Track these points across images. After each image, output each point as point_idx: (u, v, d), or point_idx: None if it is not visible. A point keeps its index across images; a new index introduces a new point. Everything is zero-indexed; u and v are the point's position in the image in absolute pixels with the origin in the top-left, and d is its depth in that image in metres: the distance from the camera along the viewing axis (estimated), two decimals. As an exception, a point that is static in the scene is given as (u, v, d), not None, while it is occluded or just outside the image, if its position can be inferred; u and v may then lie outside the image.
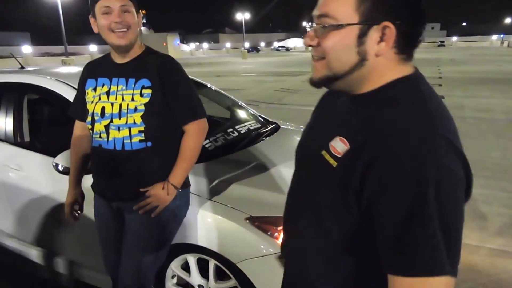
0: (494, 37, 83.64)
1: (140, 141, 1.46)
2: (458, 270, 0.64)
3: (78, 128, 1.67)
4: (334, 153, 0.73)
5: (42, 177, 2.04)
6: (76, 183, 1.69)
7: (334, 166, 0.72)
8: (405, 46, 0.72)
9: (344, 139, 0.72)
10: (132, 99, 1.44)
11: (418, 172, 0.61)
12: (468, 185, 0.69)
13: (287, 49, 76.82)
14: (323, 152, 0.75)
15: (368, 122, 0.70)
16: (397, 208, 0.62)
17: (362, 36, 0.69)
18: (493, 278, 2.30)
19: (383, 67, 0.72)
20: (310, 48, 0.76)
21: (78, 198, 1.70)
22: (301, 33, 0.77)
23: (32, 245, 2.27)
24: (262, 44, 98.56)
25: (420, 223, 0.61)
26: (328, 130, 0.77)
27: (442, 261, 0.61)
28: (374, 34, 0.69)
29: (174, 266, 1.82)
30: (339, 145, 0.72)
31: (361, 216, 0.69)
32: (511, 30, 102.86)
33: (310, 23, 0.75)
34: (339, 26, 0.70)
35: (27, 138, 2.23)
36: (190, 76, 1.63)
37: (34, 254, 2.27)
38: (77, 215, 1.73)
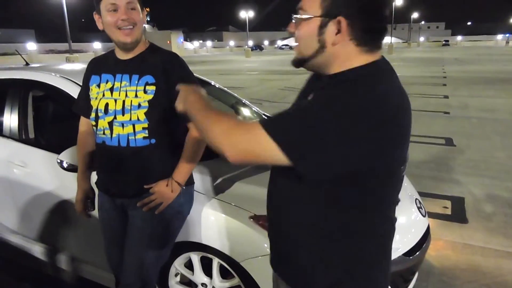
0: (499, 37, 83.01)
1: (144, 138, 1.46)
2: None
3: (83, 124, 1.67)
4: None
5: (46, 173, 2.05)
6: (85, 179, 1.69)
7: None
8: (365, 39, 0.85)
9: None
10: (136, 96, 1.44)
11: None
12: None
13: (291, 48, 76.54)
14: None
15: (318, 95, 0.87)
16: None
17: (322, 27, 0.85)
18: (497, 279, 2.28)
19: (343, 55, 0.86)
20: None
21: (89, 194, 1.70)
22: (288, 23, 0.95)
23: (36, 242, 2.28)
24: (266, 42, 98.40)
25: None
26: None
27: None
28: (332, 26, 0.84)
29: (178, 264, 1.82)
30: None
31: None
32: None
33: (293, 15, 0.91)
34: (307, 18, 0.86)
35: (31, 135, 2.23)
36: (194, 74, 1.62)
37: (38, 250, 2.28)
38: (90, 211, 1.73)
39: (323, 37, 0.85)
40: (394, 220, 0.98)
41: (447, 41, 71.94)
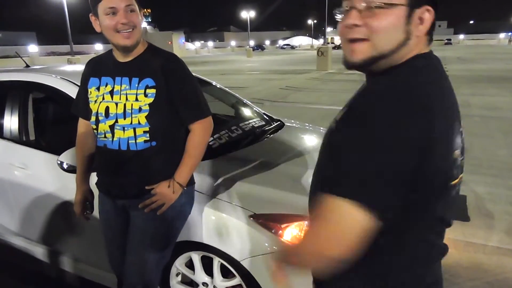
0: (502, 35, 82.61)
1: (145, 141, 1.45)
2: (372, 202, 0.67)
3: (82, 125, 1.67)
4: (336, 119, 0.81)
5: (47, 175, 2.05)
6: (84, 181, 1.69)
7: (334, 128, 0.80)
8: (431, 29, 0.78)
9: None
10: (136, 99, 1.43)
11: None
12: (430, 147, 0.69)
13: (292, 47, 76.62)
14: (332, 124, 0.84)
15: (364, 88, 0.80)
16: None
17: (409, 17, 0.74)
18: (499, 276, 2.27)
19: (416, 46, 0.77)
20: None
21: (87, 196, 1.70)
22: (334, 17, 0.81)
23: (37, 243, 2.29)
24: (267, 42, 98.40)
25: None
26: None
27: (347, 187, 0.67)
28: (416, 15, 0.75)
29: (179, 264, 1.82)
30: (340, 114, 0.81)
31: None
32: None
33: (341, 8, 0.79)
34: (391, 6, 0.73)
35: (32, 137, 2.24)
36: (194, 74, 1.62)
37: (40, 252, 2.29)
38: (89, 213, 1.73)
39: (409, 28, 0.74)
40: (436, 245, 0.86)
41: (450, 39, 71.58)
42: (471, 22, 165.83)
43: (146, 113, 1.42)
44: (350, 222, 0.67)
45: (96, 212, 1.71)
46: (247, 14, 53.23)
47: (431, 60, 0.80)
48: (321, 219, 0.71)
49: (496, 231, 2.81)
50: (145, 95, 1.43)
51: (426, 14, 0.75)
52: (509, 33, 79.14)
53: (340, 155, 0.70)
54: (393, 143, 0.66)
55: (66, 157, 1.81)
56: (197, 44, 79.36)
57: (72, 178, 1.78)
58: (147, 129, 1.44)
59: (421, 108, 0.69)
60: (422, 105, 0.70)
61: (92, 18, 1.42)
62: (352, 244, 0.68)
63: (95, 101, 1.49)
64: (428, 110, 0.69)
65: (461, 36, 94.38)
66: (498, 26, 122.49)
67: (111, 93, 1.46)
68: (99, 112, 1.48)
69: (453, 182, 0.79)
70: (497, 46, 53.86)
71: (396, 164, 0.67)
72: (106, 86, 1.48)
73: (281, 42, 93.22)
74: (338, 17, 0.80)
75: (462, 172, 0.85)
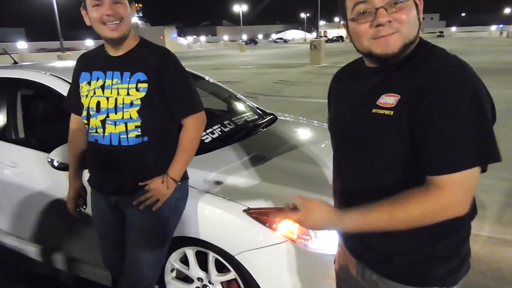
0: (493, 28, 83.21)
1: (137, 136, 1.44)
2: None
3: (74, 122, 1.65)
4: (387, 106, 0.88)
5: (37, 173, 2.03)
6: (76, 178, 1.68)
7: (391, 114, 0.87)
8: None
9: (392, 93, 0.88)
10: (128, 94, 1.41)
11: (462, 91, 0.80)
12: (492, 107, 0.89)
13: (285, 41, 76.38)
14: (374, 110, 0.90)
15: (413, 72, 0.87)
16: (454, 118, 0.80)
17: (417, 7, 0.90)
18: (492, 266, 2.30)
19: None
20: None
21: (80, 192, 1.69)
22: (340, 21, 0.99)
23: (29, 242, 2.26)
24: (260, 36, 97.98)
25: (472, 127, 0.80)
26: (368, 97, 0.93)
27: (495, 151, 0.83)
28: (419, 5, 0.91)
29: (173, 260, 1.81)
30: (388, 99, 0.89)
31: (415, 142, 0.85)
32: (510, 21, 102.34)
33: (371, 8, 0.89)
34: (408, 0, 0.88)
35: (21, 135, 2.20)
36: (187, 69, 1.60)
37: (32, 251, 2.27)
38: (82, 210, 1.71)
39: (419, 16, 0.91)
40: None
41: (442, 32, 71.97)
42: (463, 14, 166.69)
43: (137, 108, 1.41)
44: (476, 181, 0.83)
45: (89, 209, 1.70)
46: (240, 8, 52.89)
47: (429, 44, 0.94)
48: (450, 188, 0.81)
49: (488, 221, 2.84)
50: (137, 89, 1.41)
51: (419, 3, 0.90)
52: (500, 25, 79.80)
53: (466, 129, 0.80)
54: (490, 109, 0.86)
55: (57, 155, 1.78)
56: (190, 38, 78.74)
57: (63, 175, 1.76)
58: (138, 123, 1.42)
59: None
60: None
61: (83, 12, 1.41)
62: (468, 196, 0.85)
63: (86, 96, 1.47)
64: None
65: (453, 29, 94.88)
66: (489, 18, 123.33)
67: (102, 87, 1.44)
68: (90, 106, 1.46)
69: None
70: (488, 38, 54.23)
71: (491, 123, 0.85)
72: (97, 80, 1.46)
73: (274, 36, 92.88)
74: (354, 19, 0.91)
75: None
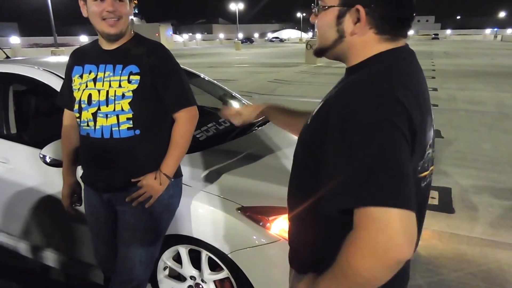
0: (488, 31, 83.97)
1: (128, 128, 1.43)
2: (410, 204, 0.67)
3: (67, 117, 1.63)
4: (312, 115, 0.88)
5: (30, 169, 2.00)
6: (70, 174, 1.66)
7: (308, 122, 0.88)
8: (386, 28, 0.81)
9: (322, 102, 0.87)
10: (120, 86, 1.40)
11: (350, 121, 0.71)
12: (413, 136, 0.73)
13: (281, 40, 76.46)
14: (314, 113, 0.88)
15: (337, 87, 0.84)
16: (342, 146, 0.71)
17: (340, 17, 0.83)
18: (482, 267, 2.33)
19: (362, 44, 0.83)
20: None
21: (75, 188, 1.67)
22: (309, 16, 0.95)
23: (20, 239, 2.24)
24: (256, 35, 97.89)
25: (367, 157, 0.68)
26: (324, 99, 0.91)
27: (396, 194, 0.66)
28: (350, 16, 0.81)
29: (166, 258, 1.80)
30: (317, 107, 0.88)
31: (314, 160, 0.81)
32: (505, 24, 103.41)
33: (313, 5, 0.91)
34: (325, 8, 0.85)
35: (13, 130, 2.18)
36: (182, 66, 1.60)
37: (23, 247, 2.24)
38: (77, 206, 1.70)
39: (341, 27, 0.83)
40: None
41: (437, 34, 72.47)
42: (458, 17, 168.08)
43: (129, 100, 1.40)
44: (410, 225, 0.66)
45: (81, 207, 1.68)
46: (236, 6, 52.75)
47: (401, 54, 0.83)
48: (374, 230, 0.66)
49: (479, 223, 2.87)
50: (129, 81, 1.40)
51: (362, 13, 0.79)
52: (495, 29, 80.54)
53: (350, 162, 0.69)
54: (397, 139, 0.69)
55: (49, 151, 1.77)
56: (185, 36, 78.46)
57: (55, 172, 1.75)
58: (130, 115, 1.41)
59: (398, 102, 0.72)
60: (398, 98, 0.72)
61: (81, 3, 1.40)
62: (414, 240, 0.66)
63: (78, 89, 1.46)
64: (403, 104, 0.72)
65: (448, 31, 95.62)
66: (484, 22, 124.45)
67: (94, 80, 1.44)
68: (81, 99, 1.45)
69: (423, 174, 0.84)
70: (483, 41, 54.73)
71: (407, 158, 0.70)
72: (89, 73, 1.45)
73: (270, 35, 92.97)
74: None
75: (433, 164, 0.90)
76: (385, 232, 0.65)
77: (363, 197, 0.67)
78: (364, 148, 0.68)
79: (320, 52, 0.91)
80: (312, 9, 0.90)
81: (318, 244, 0.87)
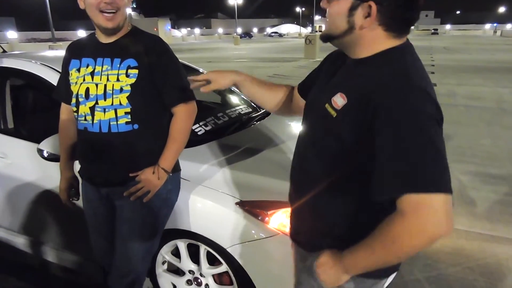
0: (487, 26, 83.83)
1: (127, 123, 1.42)
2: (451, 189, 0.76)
3: (64, 111, 1.62)
4: (335, 106, 0.90)
5: (28, 164, 1.99)
6: (68, 168, 1.65)
7: (334, 116, 0.89)
8: (394, 27, 0.87)
9: (344, 95, 0.89)
10: (118, 80, 1.39)
11: (406, 120, 0.77)
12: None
13: (280, 35, 76.18)
14: (326, 105, 0.92)
15: (361, 82, 0.88)
16: (395, 140, 0.77)
17: (353, 9, 0.87)
18: (480, 262, 2.34)
19: (371, 38, 0.88)
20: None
21: (72, 182, 1.66)
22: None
23: (19, 234, 2.24)
24: (255, 30, 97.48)
25: (417, 148, 0.76)
26: (333, 88, 0.94)
27: (442, 180, 0.76)
28: (362, 10, 0.86)
29: (164, 252, 1.80)
30: (339, 100, 0.90)
31: (357, 152, 0.85)
32: (504, 20, 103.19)
33: None
34: None
35: (11, 125, 2.16)
36: (181, 61, 1.59)
37: (22, 242, 2.24)
38: (75, 199, 1.70)
39: (352, 19, 0.87)
40: None
41: (436, 29, 72.26)
42: (458, 12, 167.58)
43: (127, 94, 1.39)
44: (439, 204, 0.75)
45: (80, 201, 1.68)
46: (235, 1, 52.45)
47: (410, 49, 0.91)
48: (425, 214, 0.75)
49: (478, 218, 2.88)
50: (127, 75, 1.39)
51: (373, 9, 0.84)
52: (495, 24, 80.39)
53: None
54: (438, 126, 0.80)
55: (46, 145, 1.76)
56: (184, 31, 78.09)
57: (52, 166, 1.74)
58: (128, 110, 1.40)
59: (433, 97, 0.83)
60: (430, 94, 0.83)
61: None
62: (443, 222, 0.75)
63: (76, 83, 1.45)
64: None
65: (448, 26, 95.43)
66: (484, 17, 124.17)
67: (92, 74, 1.42)
68: (79, 93, 1.44)
69: None
70: (482, 37, 54.64)
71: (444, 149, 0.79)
72: (87, 67, 1.44)
73: (269, 30, 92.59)
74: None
75: None
76: (435, 215, 0.74)
77: (416, 185, 0.75)
78: (416, 142, 0.76)
79: (328, 38, 0.94)
80: None
81: (348, 220, 0.95)
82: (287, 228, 1.52)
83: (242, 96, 2.77)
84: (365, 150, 0.81)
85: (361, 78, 0.88)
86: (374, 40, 0.88)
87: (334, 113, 0.89)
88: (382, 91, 0.82)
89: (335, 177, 0.91)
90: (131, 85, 1.39)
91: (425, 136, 0.76)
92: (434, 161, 0.75)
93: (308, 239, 1.06)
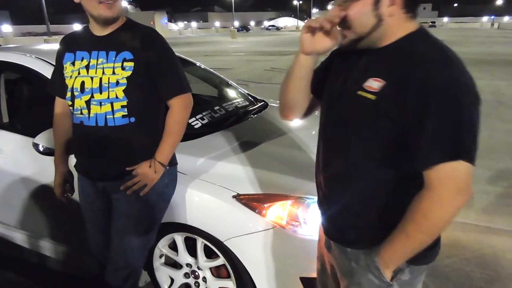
0: (485, 19, 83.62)
1: (123, 116, 1.41)
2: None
3: (59, 105, 1.61)
4: (371, 90, 0.90)
5: (23, 158, 1.98)
6: (63, 163, 1.64)
7: (373, 99, 0.89)
8: (411, 6, 0.89)
9: (378, 79, 0.89)
10: (113, 73, 1.38)
11: (448, 91, 0.81)
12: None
13: (278, 29, 75.79)
14: (359, 92, 0.92)
15: (395, 62, 0.88)
16: (438, 110, 0.81)
17: (377, 2, 0.88)
18: (476, 253, 2.36)
19: (396, 24, 0.90)
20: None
21: (67, 177, 1.65)
22: (324, 11, 0.94)
23: (16, 229, 2.23)
24: (252, 23, 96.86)
25: (458, 125, 0.81)
26: (360, 76, 0.94)
27: (473, 151, 0.83)
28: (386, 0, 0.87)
29: (162, 246, 1.80)
30: (374, 83, 0.90)
31: (397, 131, 0.86)
32: (502, 12, 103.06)
33: (332, 1, 0.95)
34: None
35: (5, 119, 2.15)
36: (178, 54, 1.57)
37: (19, 237, 2.24)
38: (69, 195, 1.69)
39: (379, 12, 0.88)
40: None
41: (434, 22, 72.09)
42: (455, 5, 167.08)
43: (123, 87, 1.38)
44: (464, 172, 0.83)
45: (76, 195, 1.67)
46: (232, -6, 52.01)
47: (426, 31, 0.93)
48: (457, 180, 0.83)
49: (474, 209, 2.89)
50: (123, 68, 1.37)
51: None
52: (492, 17, 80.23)
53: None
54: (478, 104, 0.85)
55: (42, 139, 1.75)
56: (180, 24, 77.50)
57: (48, 160, 1.73)
58: (124, 103, 1.39)
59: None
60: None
61: None
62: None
63: (71, 77, 1.43)
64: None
65: (445, 19, 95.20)
66: (481, 9, 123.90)
67: (87, 67, 1.41)
68: (74, 87, 1.42)
69: None
70: (480, 29, 54.54)
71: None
72: (81, 60, 1.42)
73: (266, 23, 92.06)
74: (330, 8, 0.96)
75: None
76: (464, 181, 0.83)
77: (455, 154, 0.81)
78: (458, 114, 0.81)
79: (355, 42, 0.93)
80: (331, 6, 0.93)
81: (389, 206, 0.95)
82: (283, 221, 1.53)
83: (239, 90, 2.76)
84: (410, 125, 0.83)
85: (394, 59, 0.89)
86: (399, 25, 0.89)
87: (372, 97, 0.89)
88: (423, 64, 0.83)
89: (390, 161, 0.91)
90: (127, 78, 1.38)
91: (464, 109, 0.81)
92: (473, 137, 0.82)
93: (360, 235, 1.01)
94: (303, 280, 1.52)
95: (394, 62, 0.89)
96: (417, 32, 0.91)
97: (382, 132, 0.89)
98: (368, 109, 0.90)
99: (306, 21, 1.04)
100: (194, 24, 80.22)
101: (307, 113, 1.21)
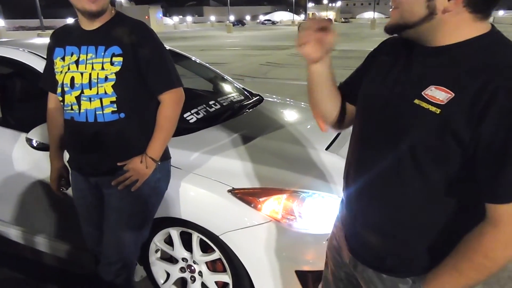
0: (501, 12, 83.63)
1: (113, 112, 1.40)
2: None
3: (52, 101, 1.60)
4: (434, 101, 0.77)
5: (17, 154, 1.96)
6: (57, 158, 1.63)
7: (437, 112, 0.76)
8: (479, 6, 0.76)
9: (444, 88, 0.77)
10: (102, 68, 1.36)
11: None
12: None
13: (273, 23, 75.52)
14: (417, 101, 0.79)
15: (466, 69, 0.76)
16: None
17: None
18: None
19: (456, 23, 0.78)
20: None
21: (62, 172, 1.65)
22: None
23: (10, 224, 2.22)
24: (248, 17, 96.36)
25: None
26: (413, 82, 0.82)
27: None
28: None
29: (157, 240, 1.81)
30: (438, 94, 0.77)
31: (464, 155, 0.75)
32: (497, 6, 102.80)
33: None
34: None
35: (-2, 114, 2.13)
36: (173, 48, 1.56)
37: (13, 233, 2.23)
38: (65, 190, 1.69)
39: (433, 3, 0.76)
40: None
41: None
42: None
43: (112, 82, 1.36)
44: None
45: (69, 191, 1.67)
46: (227, -12, 51.68)
47: (499, 34, 0.81)
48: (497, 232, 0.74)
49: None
50: (111, 63, 1.36)
51: None
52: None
53: None
54: None
55: (35, 134, 1.73)
56: (176, 19, 76.88)
57: (42, 155, 1.72)
58: (114, 99, 1.38)
59: None
60: None
61: None
62: None
63: (61, 72, 1.42)
64: None
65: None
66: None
67: (77, 62, 1.39)
68: (64, 82, 1.41)
69: None
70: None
71: None
72: (71, 55, 1.41)
73: (262, 18, 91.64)
74: None
75: None
76: None
77: None
78: None
79: (399, 28, 0.82)
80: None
81: (439, 234, 0.85)
82: (279, 215, 1.54)
83: (234, 84, 2.75)
84: (484, 151, 0.72)
85: (467, 66, 0.76)
86: (459, 25, 0.77)
87: (437, 110, 0.76)
88: (503, 73, 0.72)
89: (449, 187, 0.80)
90: (116, 73, 1.36)
91: None
92: None
93: (401, 263, 0.91)
94: (299, 273, 1.53)
95: (468, 71, 0.75)
96: (489, 34, 0.79)
97: (444, 154, 0.77)
98: (431, 125, 0.77)
99: (294, 40, 0.93)
100: (189, 18, 79.68)
101: (347, 122, 1.09)
